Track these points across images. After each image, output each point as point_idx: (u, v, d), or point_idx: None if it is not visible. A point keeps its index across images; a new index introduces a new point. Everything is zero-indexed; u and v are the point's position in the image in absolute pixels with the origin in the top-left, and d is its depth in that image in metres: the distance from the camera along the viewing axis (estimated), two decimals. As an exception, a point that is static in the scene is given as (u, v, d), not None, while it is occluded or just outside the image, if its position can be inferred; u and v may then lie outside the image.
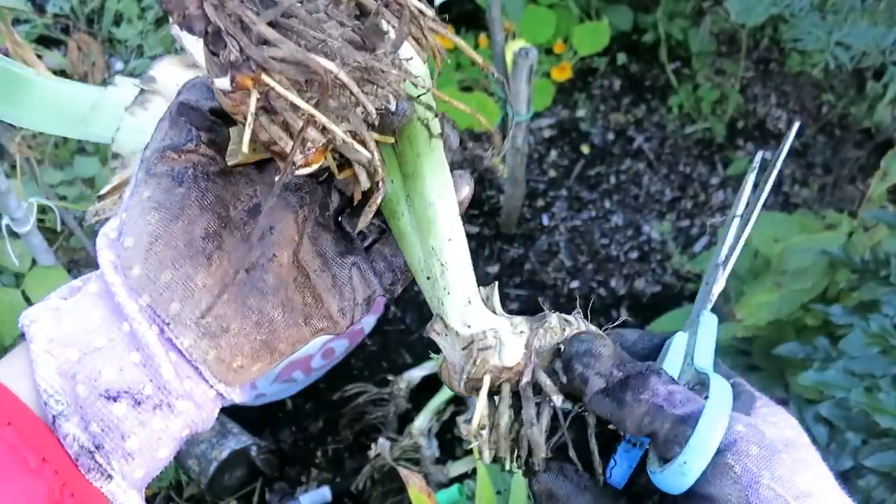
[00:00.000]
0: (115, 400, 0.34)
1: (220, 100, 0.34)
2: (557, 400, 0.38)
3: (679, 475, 0.34)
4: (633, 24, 2.10)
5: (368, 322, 1.65)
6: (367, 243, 0.44)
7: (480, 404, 0.40)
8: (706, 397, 0.35)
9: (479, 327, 0.40)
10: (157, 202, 0.36)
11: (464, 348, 0.40)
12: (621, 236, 1.90)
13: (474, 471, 1.37)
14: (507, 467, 0.41)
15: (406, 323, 1.74)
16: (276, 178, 0.37)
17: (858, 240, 1.35)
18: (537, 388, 0.39)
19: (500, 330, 0.40)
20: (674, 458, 0.34)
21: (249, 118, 0.30)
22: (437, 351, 0.42)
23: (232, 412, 1.54)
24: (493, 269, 1.80)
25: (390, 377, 1.58)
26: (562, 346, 0.39)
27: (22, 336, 0.35)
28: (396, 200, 0.41)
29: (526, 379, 0.39)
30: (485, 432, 0.40)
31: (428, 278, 0.40)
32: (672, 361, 0.40)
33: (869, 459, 0.99)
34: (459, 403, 1.55)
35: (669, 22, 2.08)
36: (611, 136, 2.07)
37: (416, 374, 1.58)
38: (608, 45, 1.99)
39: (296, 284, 0.39)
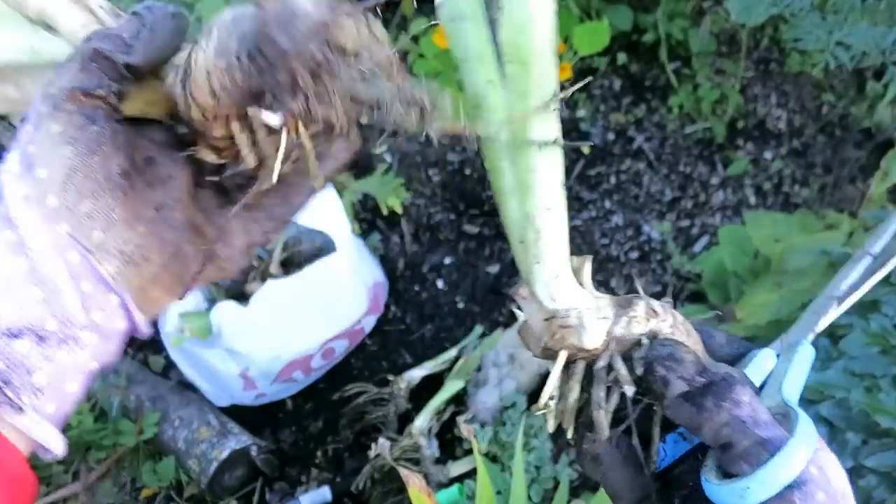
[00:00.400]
0: (17, 337, 0.34)
1: (191, 111, 0.38)
2: (629, 390, 0.38)
3: (736, 496, 0.34)
4: (634, 24, 2.10)
5: (368, 322, 1.65)
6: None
7: (554, 376, 0.40)
8: (790, 430, 0.35)
9: (564, 304, 0.40)
10: (71, 137, 0.36)
11: (545, 319, 0.40)
12: (621, 236, 1.90)
13: (474, 471, 1.37)
14: (569, 437, 0.41)
15: (406, 323, 1.74)
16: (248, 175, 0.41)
17: (859, 240, 1.35)
18: (610, 370, 0.39)
19: (583, 312, 0.39)
20: (739, 477, 0.34)
21: (280, 154, 0.36)
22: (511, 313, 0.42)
23: (232, 412, 1.54)
24: (494, 268, 1.79)
25: (390, 377, 1.58)
26: (643, 339, 0.39)
27: None
28: (499, 157, 0.40)
29: (601, 364, 0.39)
30: (553, 402, 0.41)
31: (521, 242, 0.40)
32: (751, 375, 0.39)
33: (869, 459, 0.99)
34: (459, 403, 1.55)
35: (669, 22, 2.08)
36: (611, 136, 2.07)
37: (416, 374, 1.58)
38: (608, 45, 1.99)
39: (194, 230, 0.41)
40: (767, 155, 2.00)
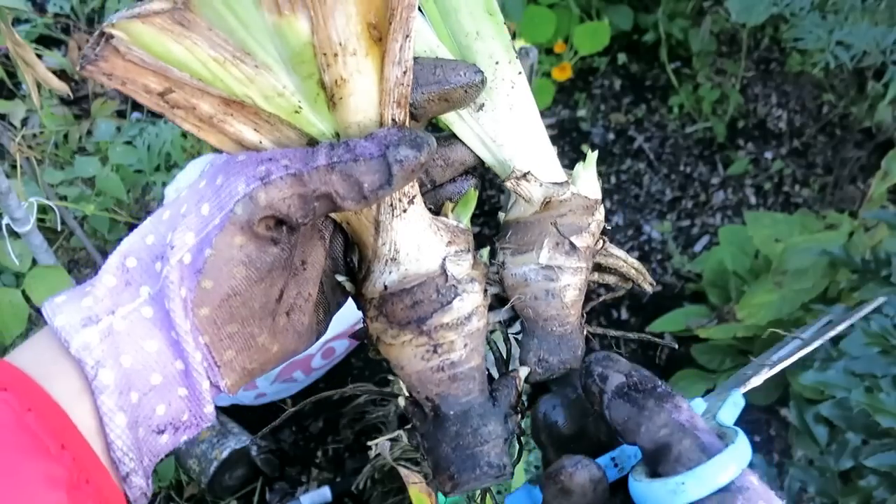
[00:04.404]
0: (162, 433, 0.37)
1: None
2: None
3: (670, 493, 0.33)
4: (634, 23, 2.10)
5: (369, 322, 1.65)
6: None
7: None
8: (727, 444, 0.35)
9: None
10: (248, 257, 0.35)
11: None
12: (621, 236, 1.90)
13: (474, 471, 1.37)
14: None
15: (406, 323, 1.74)
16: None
17: (859, 240, 1.35)
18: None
19: None
20: (674, 475, 0.33)
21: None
22: None
23: (232, 412, 1.54)
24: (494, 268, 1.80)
25: (390, 377, 1.58)
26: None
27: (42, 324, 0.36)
28: None
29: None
30: None
31: None
32: None
33: (869, 459, 0.99)
34: (459, 403, 1.55)
35: (670, 22, 2.08)
36: (611, 136, 2.07)
37: (417, 373, 1.57)
38: (608, 45, 1.99)
39: (316, 305, 0.41)
40: (768, 155, 2.00)
